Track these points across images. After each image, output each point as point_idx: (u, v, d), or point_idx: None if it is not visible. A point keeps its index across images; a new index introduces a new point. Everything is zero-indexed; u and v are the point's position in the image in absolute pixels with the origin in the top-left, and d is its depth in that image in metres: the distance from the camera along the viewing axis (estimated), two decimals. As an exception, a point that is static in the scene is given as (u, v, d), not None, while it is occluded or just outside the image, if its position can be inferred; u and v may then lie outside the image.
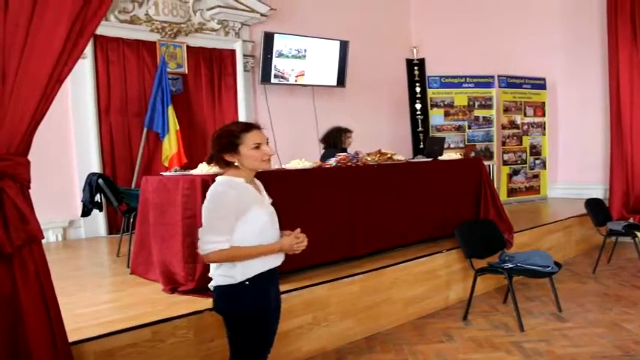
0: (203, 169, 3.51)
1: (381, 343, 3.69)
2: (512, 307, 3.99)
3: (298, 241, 2.26)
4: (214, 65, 6.95)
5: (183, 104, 6.63)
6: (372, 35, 8.54)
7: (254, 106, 7.33)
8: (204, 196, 2.22)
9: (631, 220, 6.25)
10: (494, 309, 4.35)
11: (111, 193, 4.67)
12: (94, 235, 5.99)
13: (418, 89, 8.72)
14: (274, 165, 3.96)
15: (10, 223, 2.02)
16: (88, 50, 5.87)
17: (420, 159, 5.22)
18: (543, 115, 8.29)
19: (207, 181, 3.11)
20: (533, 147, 8.25)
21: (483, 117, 8.18)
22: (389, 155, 4.69)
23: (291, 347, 3.35)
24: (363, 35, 8.30)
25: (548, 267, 4.03)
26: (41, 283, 2.14)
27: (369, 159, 4.56)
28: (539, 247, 5.28)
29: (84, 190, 4.82)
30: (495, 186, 6.93)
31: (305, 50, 7.44)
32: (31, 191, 2.15)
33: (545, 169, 8.33)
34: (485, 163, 5.93)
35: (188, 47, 6.66)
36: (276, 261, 2.29)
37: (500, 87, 8.06)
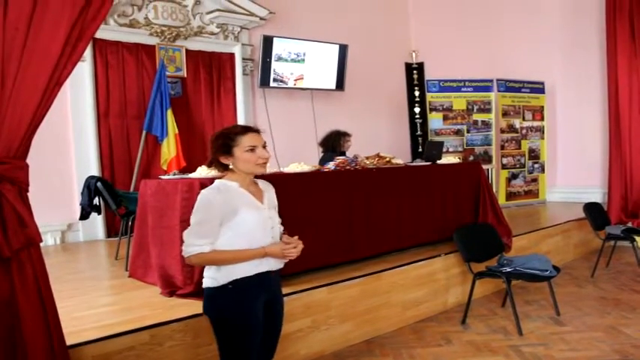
0: (202, 172, 3.51)
1: (379, 347, 3.69)
2: (510, 311, 4.00)
3: (289, 246, 2.19)
4: (213, 69, 6.96)
5: (182, 108, 6.64)
6: (371, 39, 8.55)
7: (253, 109, 7.33)
8: (203, 200, 2.21)
9: (629, 225, 6.27)
10: (492, 313, 4.35)
11: (109, 197, 4.68)
12: (92, 238, 5.99)
13: (417, 93, 8.75)
14: (273, 169, 3.99)
15: (8, 227, 2.02)
16: (88, 54, 5.88)
17: (419, 163, 5.21)
18: (542, 119, 8.30)
19: (206, 184, 3.10)
20: (531, 151, 8.26)
21: (482, 121, 8.18)
22: (388, 159, 4.70)
23: (290, 350, 3.34)
24: (362, 39, 8.32)
25: (547, 271, 4.02)
26: (39, 286, 2.14)
27: (367, 163, 4.56)
28: (537, 250, 5.28)
29: (82, 194, 4.83)
30: (494, 190, 6.93)
31: (304, 54, 7.45)
32: (29, 194, 2.15)
33: (543, 173, 8.34)
34: (484, 167, 5.92)
35: (187, 51, 6.68)
36: (267, 266, 2.21)
37: (499, 91, 8.07)
